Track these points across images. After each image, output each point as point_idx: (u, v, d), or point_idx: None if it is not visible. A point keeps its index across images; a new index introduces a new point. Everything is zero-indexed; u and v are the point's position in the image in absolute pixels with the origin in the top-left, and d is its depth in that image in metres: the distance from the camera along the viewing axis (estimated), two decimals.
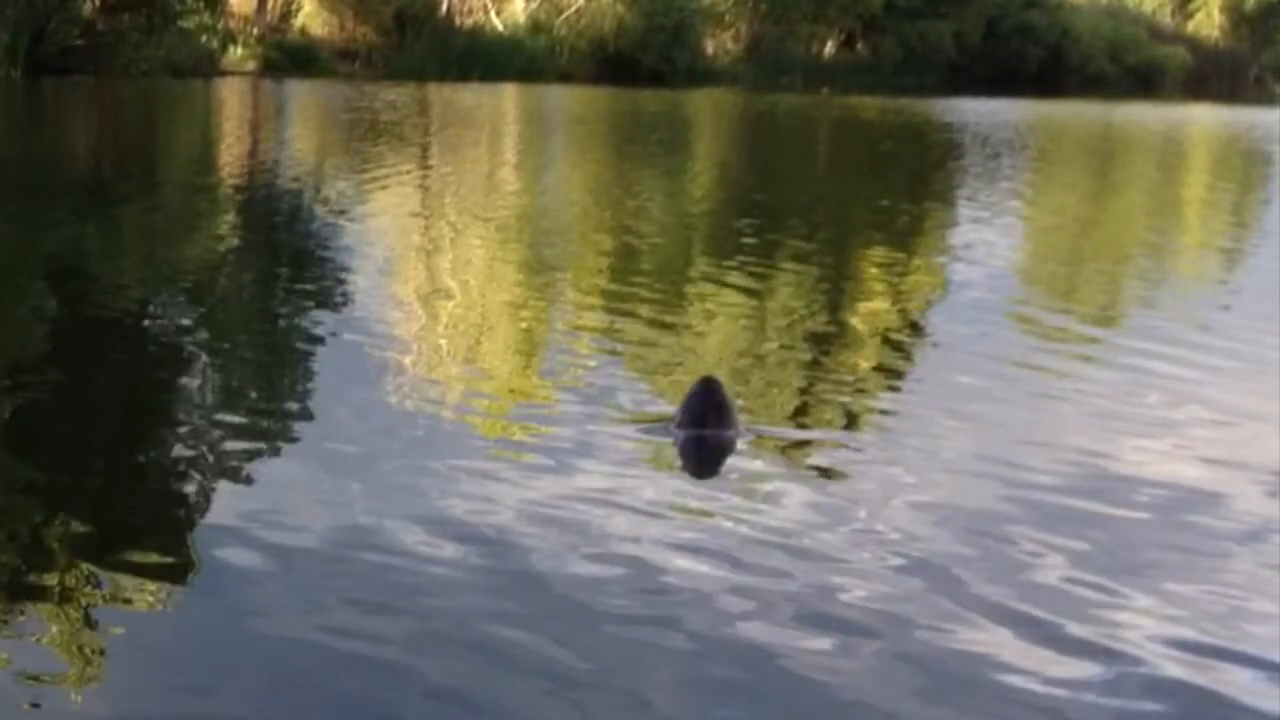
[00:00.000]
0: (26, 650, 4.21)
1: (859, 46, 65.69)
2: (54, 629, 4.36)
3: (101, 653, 4.23)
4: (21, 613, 4.47)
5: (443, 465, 5.95)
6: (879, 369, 8.34)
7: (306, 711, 3.96)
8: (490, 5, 55.33)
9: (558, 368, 8.01)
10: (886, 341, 9.18)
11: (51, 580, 4.70)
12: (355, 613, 4.47)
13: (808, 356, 8.56)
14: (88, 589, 4.64)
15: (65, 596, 4.58)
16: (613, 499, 5.55)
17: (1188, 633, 4.49)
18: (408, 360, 8.11)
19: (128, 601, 4.57)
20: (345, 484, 5.69)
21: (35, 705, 3.92)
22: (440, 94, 40.04)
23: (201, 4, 42.78)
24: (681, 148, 27.48)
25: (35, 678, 4.06)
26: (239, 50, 46.13)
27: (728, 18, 60.91)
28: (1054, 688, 4.11)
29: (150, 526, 5.37)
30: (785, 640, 4.34)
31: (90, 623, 4.41)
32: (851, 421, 6.96)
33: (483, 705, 3.92)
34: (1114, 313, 10.71)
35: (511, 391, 7.56)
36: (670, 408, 6.70)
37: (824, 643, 4.34)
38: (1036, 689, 4.10)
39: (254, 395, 7.44)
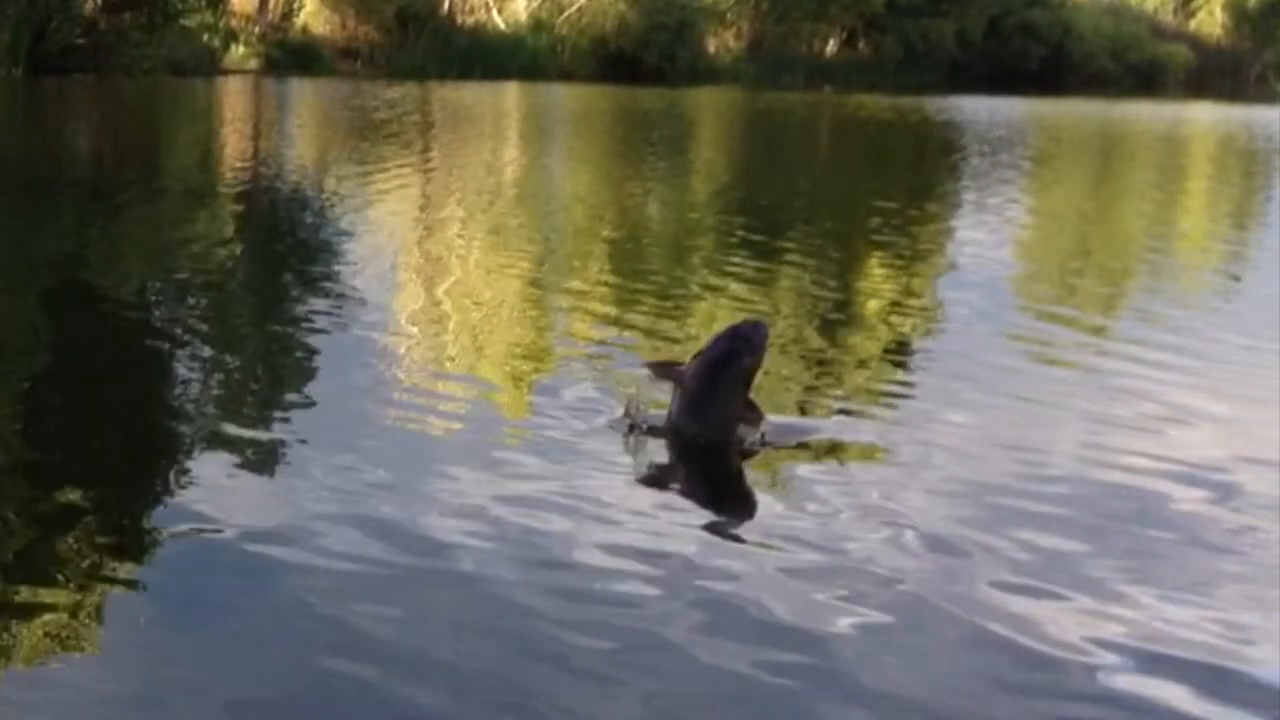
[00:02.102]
0: (10, 646, 4.25)
1: (861, 45, 65.71)
2: (43, 625, 4.38)
3: (87, 648, 4.26)
4: (9, 608, 4.49)
5: (441, 466, 5.96)
6: (877, 368, 8.35)
7: (283, 711, 3.99)
8: (492, 3, 55.36)
9: (556, 367, 8.04)
10: (885, 340, 9.21)
11: (47, 577, 4.73)
12: (345, 616, 4.47)
13: (806, 356, 8.57)
14: (74, 580, 4.67)
15: (59, 593, 4.60)
16: (606, 500, 5.55)
17: (1180, 635, 4.52)
18: (407, 359, 8.14)
19: (113, 595, 4.60)
20: (343, 484, 5.69)
21: (20, 701, 3.96)
22: (442, 93, 40.06)
23: (203, 3, 42.82)
24: (682, 146, 27.50)
25: (19, 675, 4.10)
26: (240, 49, 46.16)
27: (730, 16, 60.95)
28: (1038, 693, 4.14)
29: (146, 525, 5.37)
30: (767, 646, 4.36)
31: (81, 620, 4.43)
32: (846, 421, 6.96)
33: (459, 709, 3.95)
34: (1113, 313, 10.71)
35: (510, 390, 7.58)
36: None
37: (799, 648, 4.35)
38: (1019, 693, 4.13)
39: (251, 395, 7.46)
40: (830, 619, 4.53)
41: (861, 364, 8.50)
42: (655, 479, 6.02)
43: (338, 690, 4.03)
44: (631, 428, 6.39)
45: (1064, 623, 4.54)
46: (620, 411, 6.53)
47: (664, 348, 8.55)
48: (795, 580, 4.82)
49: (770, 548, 5.13)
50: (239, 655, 4.24)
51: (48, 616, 4.44)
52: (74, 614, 4.47)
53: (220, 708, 3.94)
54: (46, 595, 4.59)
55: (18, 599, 4.56)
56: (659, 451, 6.27)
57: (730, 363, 6.25)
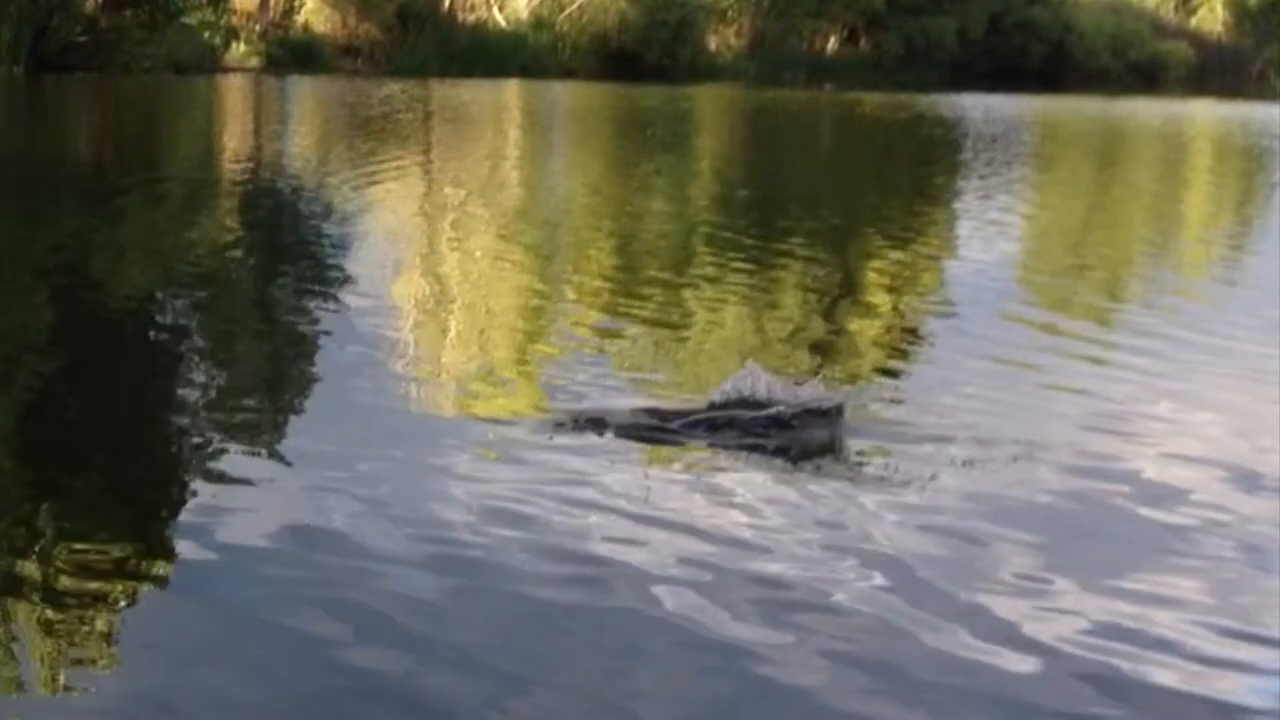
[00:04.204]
0: (13, 645, 4.27)
1: (862, 42, 65.63)
2: (42, 625, 4.41)
3: (88, 645, 4.29)
4: (10, 609, 4.52)
5: (440, 465, 5.99)
6: (868, 370, 8.36)
7: (280, 707, 4.01)
8: (493, 1, 55.35)
9: (557, 366, 8.05)
10: (878, 340, 9.23)
11: (44, 574, 4.75)
12: (339, 612, 4.51)
13: (806, 354, 8.58)
14: (80, 583, 4.69)
15: (57, 591, 4.63)
16: (610, 500, 5.58)
17: (1172, 633, 4.54)
18: (407, 357, 8.16)
19: (118, 597, 4.62)
20: (342, 484, 5.71)
21: (20, 701, 3.99)
22: (442, 90, 40.05)
23: (204, 1, 42.83)
24: (683, 144, 27.49)
25: (20, 674, 4.12)
26: (241, 47, 46.17)
27: (730, 14, 60.87)
28: (1026, 687, 4.17)
29: (146, 523, 5.41)
30: (757, 640, 4.38)
31: (80, 617, 4.46)
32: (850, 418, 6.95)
33: (454, 705, 3.98)
34: (1112, 310, 10.72)
35: (510, 389, 7.59)
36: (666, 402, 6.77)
37: (792, 641, 4.37)
38: (1008, 689, 4.15)
39: (252, 392, 7.48)
40: (804, 623, 4.53)
41: (853, 370, 8.49)
42: (684, 476, 6.03)
43: (336, 685, 4.06)
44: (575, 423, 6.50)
45: (1042, 629, 4.52)
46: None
47: (663, 345, 8.59)
48: (766, 584, 4.83)
49: (745, 551, 5.13)
50: (242, 652, 4.27)
51: (51, 616, 4.46)
52: (76, 613, 4.50)
53: (228, 704, 3.97)
54: (50, 596, 4.62)
55: (20, 602, 4.58)
56: (653, 453, 6.29)
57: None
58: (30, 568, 4.82)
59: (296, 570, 4.84)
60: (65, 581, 4.71)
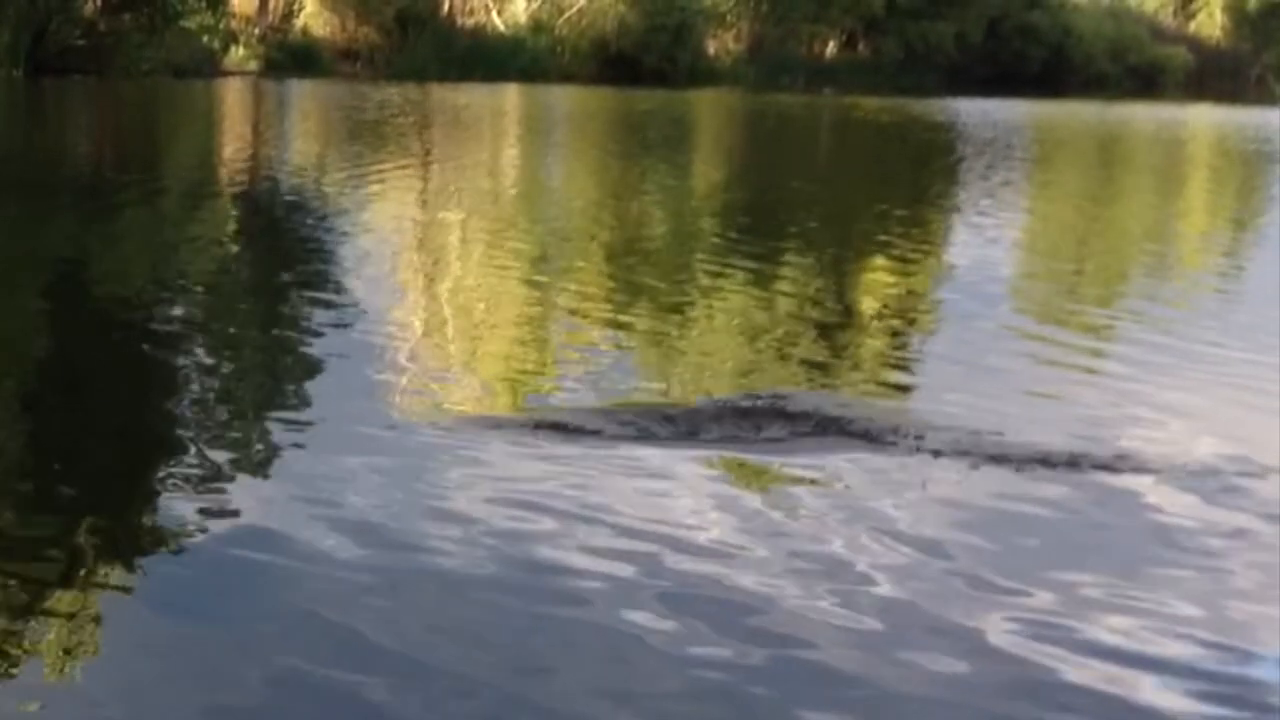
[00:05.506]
0: (9, 648, 4.28)
1: (860, 47, 65.76)
2: (41, 627, 4.42)
3: (83, 651, 4.29)
4: (7, 611, 4.52)
5: (437, 469, 5.98)
6: (869, 369, 8.38)
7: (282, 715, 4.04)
8: (491, 5, 55.42)
9: (553, 369, 8.07)
10: (878, 341, 9.25)
11: (44, 579, 4.76)
12: (341, 619, 4.50)
13: (802, 358, 8.60)
14: (81, 589, 4.69)
15: (58, 595, 4.63)
16: (599, 503, 5.58)
17: (1149, 642, 4.54)
18: (402, 361, 8.16)
19: (118, 603, 4.62)
20: (340, 487, 5.71)
21: (19, 704, 3.99)
22: (441, 94, 40.09)
23: (203, 4, 42.91)
24: (681, 148, 27.53)
25: (20, 676, 4.13)
26: (240, 50, 46.27)
27: (729, 18, 61.00)
28: (1008, 694, 4.17)
29: (144, 527, 5.41)
30: (728, 649, 4.37)
31: (78, 623, 4.46)
32: (839, 419, 6.97)
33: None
34: (1104, 318, 10.70)
35: (507, 392, 7.60)
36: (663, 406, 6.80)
37: (763, 651, 4.35)
38: (990, 698, 4.15)
39: (247, 397, 7.48)
40: (813, 621, 4.54)
41: (854, 367, 8.53)
42: (649, 481, 6.03)
43: (330, 694, 4.07)
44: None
45: (1018, 639, 4.50)
46: None
47: (663, 347, 8.61)
48: (776, 581, 4.84)
49: (754, 549, 5.15)
50: (235, 660, 4.26)
51: (46, 619, 4.47)
52: (72, 617, 4.50)
53: (217, 712, 3.97)
54: (45, 597, 4.62)
55: (15, 601, 4.58)
56: (654, 455, 6.31)
57: None
58: (21, 566, 4.81)
59: (275, 577, 4.84)
60: (57, 580, 4.72)
